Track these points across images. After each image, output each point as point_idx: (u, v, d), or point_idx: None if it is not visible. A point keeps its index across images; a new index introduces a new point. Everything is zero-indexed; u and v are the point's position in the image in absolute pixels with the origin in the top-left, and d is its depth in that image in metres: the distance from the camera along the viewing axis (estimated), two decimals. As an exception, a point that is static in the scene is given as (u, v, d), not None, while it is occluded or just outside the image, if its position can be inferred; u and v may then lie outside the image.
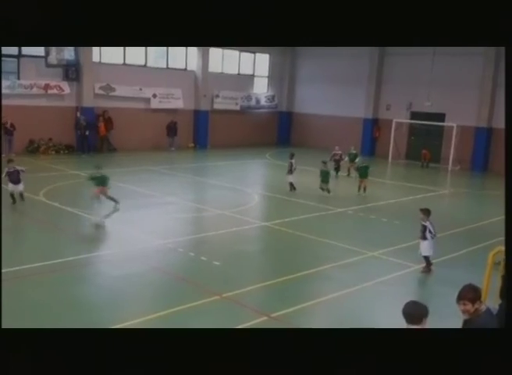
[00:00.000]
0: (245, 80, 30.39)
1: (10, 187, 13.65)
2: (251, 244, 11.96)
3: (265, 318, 7.70)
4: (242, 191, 17.51)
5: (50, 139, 23.08)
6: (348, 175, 20.31)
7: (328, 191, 16.47)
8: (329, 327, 7.62)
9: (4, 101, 21.55)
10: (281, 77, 31.82)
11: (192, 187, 18.59)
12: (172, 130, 26.60)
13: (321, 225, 13.59)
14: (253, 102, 30.73)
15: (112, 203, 12.46)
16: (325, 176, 16.54)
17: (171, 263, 10.13)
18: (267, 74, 31.53)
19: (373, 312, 8.37)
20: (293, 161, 17.05)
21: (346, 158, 20.56)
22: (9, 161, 14.05)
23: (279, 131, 32.25)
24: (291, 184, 17.06)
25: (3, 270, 8.91)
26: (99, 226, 12.03)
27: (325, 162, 16.83)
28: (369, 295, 9.01)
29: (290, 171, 17.04)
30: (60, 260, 9.76)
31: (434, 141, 26.24)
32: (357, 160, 19.99)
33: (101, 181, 12.45)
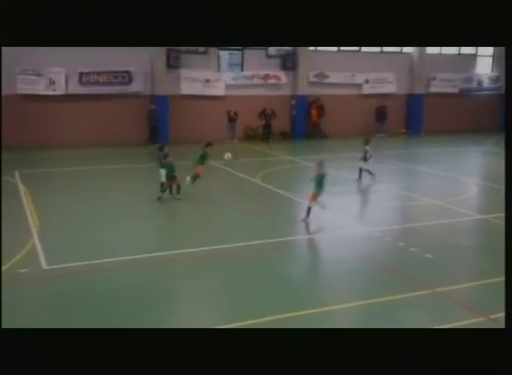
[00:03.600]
0: (466, 61, 27.99)
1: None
2: (467, 238, 11.05)
3: (483, 319, 7.06)
4: (458, 180, 16.27)
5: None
6: None
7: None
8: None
9: (229, 92, 23.72)
10: (509, 55, 28.47)
11: (402, 174, 17.95)
12: (381, 115, 25.98)
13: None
14: (474, 84, 28.17)
15: None
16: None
17: (379, 252, 9.94)
18: (491, 53, 28.55)
19: None
20: (367, 148, 15.38)
21: None
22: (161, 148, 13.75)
23: (504, 116, 28.93)
24: (361, 171, 15.45)
25: (222, 246, 9.88)
26: None
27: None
28: None
29: (364, 158, 15.40)
30: (273, 240, 10.37)
31: None
32: None
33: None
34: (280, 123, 24.55)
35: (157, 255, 9.41)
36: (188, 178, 13.44)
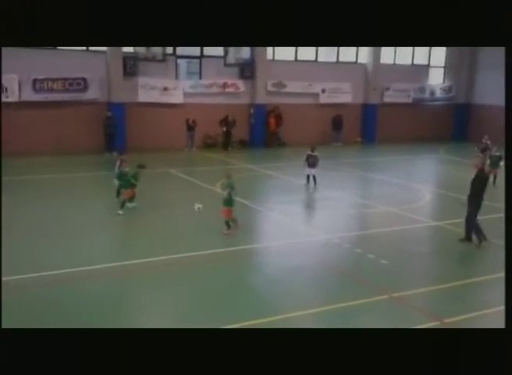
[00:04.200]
0: (419, 71, 28.89)
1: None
2: (422, 244, 11.32)
3: (438, 322, 7.22)
4: (412, 187, 16.71)
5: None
6: (494, 183, 16.10)
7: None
8: None
9: (187, 100, 23.60)
10: (459, 66, 29.54)
11: (358, 182, 18.28)
12: (337, 124, 26.44)
13: (502, 227, 12.29)
14: (427, 94, 29.09)
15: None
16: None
17: (337, 259, 10.06)
18: (443, 64, 29.56)
19: None
20: (315, 154, 16.13)
21: (488, 162, 16.08)
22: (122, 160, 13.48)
23: (455, 125, 30.02)
24: (309, 177, 16.16)
25: (182, 254, 9.77)
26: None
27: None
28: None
29: (312, 164, 16.06)
30: (233, 248, 10.33)
31: None
32: (501, 164, 16.08)
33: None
34: (239, 132, 24.59)
35: (113, 265, 9.21)
36: (129, 205, 12.80)
